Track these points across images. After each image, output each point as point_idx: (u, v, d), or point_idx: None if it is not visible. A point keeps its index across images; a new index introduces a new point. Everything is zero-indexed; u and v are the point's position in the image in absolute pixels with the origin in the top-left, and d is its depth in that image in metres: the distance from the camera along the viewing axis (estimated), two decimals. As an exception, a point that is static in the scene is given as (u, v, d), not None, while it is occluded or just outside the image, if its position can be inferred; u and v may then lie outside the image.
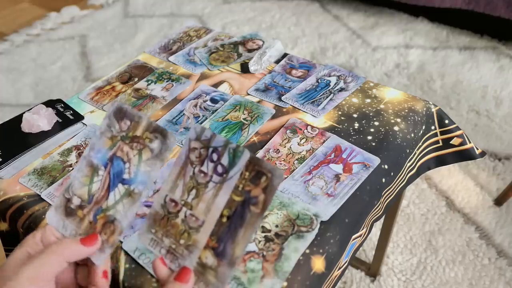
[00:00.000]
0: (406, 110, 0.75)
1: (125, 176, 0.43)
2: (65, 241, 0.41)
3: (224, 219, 0.42)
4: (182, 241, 0.43)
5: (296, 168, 0.66)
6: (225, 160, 0.43)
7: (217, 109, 0.77)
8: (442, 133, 0.79)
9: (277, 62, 0.88)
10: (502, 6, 1.75)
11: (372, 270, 1.11)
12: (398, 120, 0.74)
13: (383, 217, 0.80)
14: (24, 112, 0.74)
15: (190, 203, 0.44)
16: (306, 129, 0.72)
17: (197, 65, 0.88)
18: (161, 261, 0.44)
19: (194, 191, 0.44)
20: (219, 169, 0.43)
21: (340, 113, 0.75)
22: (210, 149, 0.43)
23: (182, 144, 0.70)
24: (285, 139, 0.71)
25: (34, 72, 1.86)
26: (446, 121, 0.78)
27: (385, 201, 0.70)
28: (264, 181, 0.41)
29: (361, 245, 0.67)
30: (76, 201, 0.44)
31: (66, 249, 0.40)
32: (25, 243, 0.41)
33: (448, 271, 1.12)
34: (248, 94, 0.80)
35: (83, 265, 0.44)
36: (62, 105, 0.79)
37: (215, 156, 0.43)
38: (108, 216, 0.43)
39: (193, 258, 0.43)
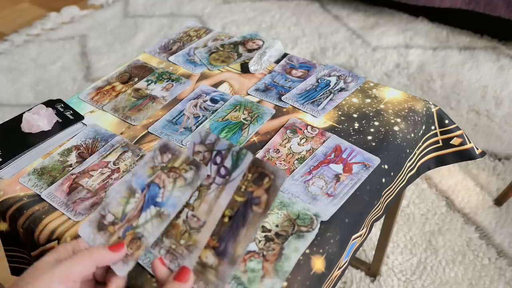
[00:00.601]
0: (406, 110, 0.75)
1: (158, 199, 0.47)
2: (95, 247, 0.44)
3: (226, 219, 0.43)
4: (182, 241, 0.44)
5: (296, 168, 0.66)
6: (228, 163, 0.44)
7: (217, 109, 0.77)
8: (442, 133, 0.79)
9: (277, 62, 0.88)
10: (502, 6, 1.75)
11: (372, 270, 1.11)
12: (398, 120, 0.74)
13: (383, 217, 0.80)
14: (24, 112, 0.74)
15: (192, 205, 0.45)
16: (306, 129, 0.72)
17: (197, 65, 0.88)
18: (160, 261, 0.45)
19: (196, 193, 0.45)
20: (222, 171, 0.44)
21: (340, 113, 0.75)
22: (214, 152, 0.45)
23: (182, 144, 0.70)
24: (285, 139, 0.71)
25: (34, 72, 1.86)
26: (446, 121, 0.78)
27: (385, 201, 0.70)
28: (267, 182, 0.42)
29: (361, 245, 0.67)
30: (109, 218, 0.47)
31: (95, 254, 0.43)
32: (56, 250, 0.44)
33: (448, 271, 1.12)
34: (248, 94, 0.80)
35: (101, 284, 0.46)
36: (62, 105, 0.79)
37: (218, 159, 0.45)
38: (137, 233, 0.46)
39: (193, 258, 0.44)
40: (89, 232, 0.47)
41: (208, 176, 0.45)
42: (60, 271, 0.41)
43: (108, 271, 0.46)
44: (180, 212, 0.45)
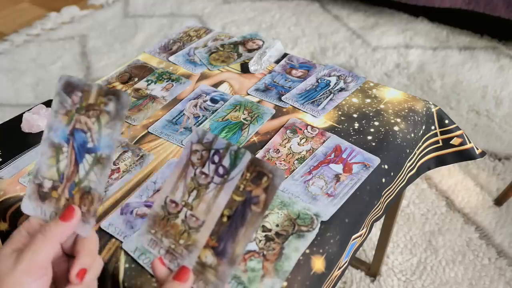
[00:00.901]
0: (406, 110, 0.75)
1: (89, 145, 0.43)
2: (48, 225, 0.40)
3: (225, 219, 0.43)
4: (181, 241, 0.44)
5: (296, 168, 0.66)
6: (226, 162, 0.44)
7: (217, 109, 0.77)
8: (442, 133, 0.79)
9: (277, 62, 0.88)
10: (502, 6, 1.75)
11: (372, 270, 1.11)
12: (398, 120, 0.74)
13: (383, 217, 0.80)
14: (24, 112, 0.74)
15: (190, 204, 0.45)
16: (306, 129, 0.72)
17: (197, 65, 0.88)
18: (160, 261, 0.44)
19: (195, 192, 0.45)
20: (220, 170, 0.44)
21: (340, 113, 0.75)
22: (212, 151, 0.44)
23: (182, 144, 0.70)
24: (285, 139, 0.71)
25: (34, 72, 1.86)
26: (446, 121, 0.78)
27: (385, 201, 0.70)
28: (265, 181, 0.42)
29: (361, 245, 0.67)
30: (47, 184, 0.44)
31: (51, 232, 0.40)
32: (11, 239, 0.40)
33: (448, 271, 1.12)
34: (248, 94, 0.80)
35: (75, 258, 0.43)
36: (62, 105, 0.79)
37: (216, 158, 0.44)
38: (83, 187, 0.43)
39: (192, 258, 0.43)
40: (33, 206, 0.44)
41: (207, 175, 0.44)
42: (23, 267, 0.37)
43: (74, 244, 0.43)
44: (179, 211, 0.45)
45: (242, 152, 0.43)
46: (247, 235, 0.42)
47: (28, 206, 0.44)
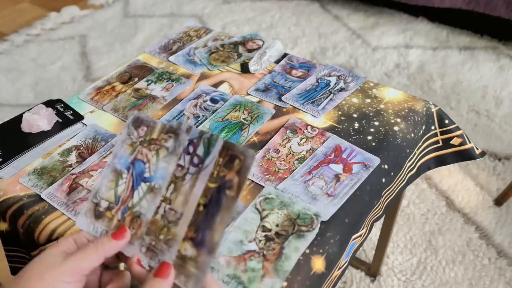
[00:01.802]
0: (406, 110, 0.75)
1: (146, 175, 0.47)
2: (100, 239, 0.44)
3: (201, 208, 0.43)
4: (161, 237, 0.44)
5: (296, 168, 0.66)
6: (200, 150, 0.44)
7: (217, 109, 0.77)
8: (442, 133, 0.79)
9: (277, 62, 0.88)
10: (502, 6, 1.75)
11: (372, 270, 1.11)
12: (398, 120, 0.74)
13: (383, 217, 0.80)
14: (24, 112, 0.74)
15: (169, 198, 0.45)
16: (306, 129, 0.72)
17: (197, 65, 0.88)
18: (136, 261, 0.45)
19: (172, 186, 0.45)
20: (195, 160, 0.45)
21: (340, 113, 0.75)
22: (186, 142, 0.45)
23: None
24: (285, 139, 0.71)
25: (34, 72, 1.86)
26: (446, 121, 0.78)
27: (385, 201, 0.70)
28: (237, 164, 0.41)
29: (361, 245, 0.67)
30: (104, 204, 0.47)
31: (102, 246, 0.43)
32: (60, 243, 0.43)
33: (448, 271, 1.12)
34: (248, 94, 0.80)
35: (108, 269, 0.46)
36: (62, 105, 0.79)
37: (191, 148, 0.45)
38: (135, 212, 0.46)
39: (172, 252, 0.44)
40: (87, 222, 0.47)
41: (182, 167, 0.45)
42: (69, 267, 0.41)
43: (111, 271, 0.46)
44: (159, 207, 0.45)
45: (215, 138, 0.43)
46: (223, 220, 0.41)
47: (83, 222, 0.48)
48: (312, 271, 0.55)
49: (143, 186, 0.46)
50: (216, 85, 0.83)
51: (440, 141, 0.79)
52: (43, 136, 0.73)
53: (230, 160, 0.42)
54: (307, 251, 0.56)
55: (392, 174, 0.69)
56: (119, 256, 0.45)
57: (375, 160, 0.67)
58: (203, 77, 0.85)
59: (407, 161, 0.73)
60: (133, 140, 0.48)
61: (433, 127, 0.78)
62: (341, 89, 0.80)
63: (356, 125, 0.73)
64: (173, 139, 0.46)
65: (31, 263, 0.41)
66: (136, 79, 0.85)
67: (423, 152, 0.77)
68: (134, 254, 0.45)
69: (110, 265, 0.46)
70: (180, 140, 0.46)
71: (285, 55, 0.89)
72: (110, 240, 0.44)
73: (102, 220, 0.47)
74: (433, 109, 0.77)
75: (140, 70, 0.87)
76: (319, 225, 0.58)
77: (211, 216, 0.42)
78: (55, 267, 0.40)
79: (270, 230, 0.57)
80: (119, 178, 0.47)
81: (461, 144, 0.79)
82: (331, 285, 0.61)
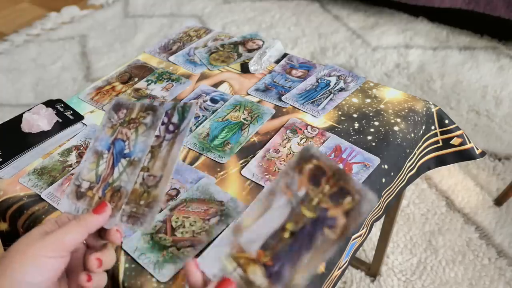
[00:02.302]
0: (406, 110, 0.75)
1: (126, 151, 0.48)
2: (81, 215, 0.44)
3: (287, 235, 0.36)
4: (142, 202, 0.45)
5: (296, 168, 0.66)
6: (175, 118, 0.46)
7: (217, 109, 0.77)
8: (442, 133, 0.79)
9: (277, 62, 0.88)
10: (502, 6, 1.75)
11: (372, 270, 1.11)
12: (398, 120, 0.74)
13: (383, 217, 0.80)
14: (24, 112, 0.74)
15: (146, 166, 0.46)
16: (306, 129, 0.72)
17: (197, 65, 0.88)
18: (195, 264, 0.40)
19: (149, 155, 0.47)
20: (171, 127, 0.46)
21: (340, 113, 0.75)
22: (163, 115, 0.47)
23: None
24: (285, 139, 0.71)
25: (34, 72, 1.86)
26: (446, 121, 0.78)
27: (385, 201, 0.70)
28: (348, 202, 0.34)
29: (361, 245, 0.67)
30: (85, 185, 0.48)
31: (84, 221, 0.43)
32: (40, 226, 0.44)
33: (448, 271, 1.12)
34: (248, 94, 0.80)
35: (92, 249, 0.46)
36: (62, 105, 0.79)
37: (165, 119, 0.47)
38: (115, 187, 0.47)
39: (154, 212, 0.44)
40: (69, 204, 0.48)
41: (158, 136, 0.47)
42: (51, 241, 0.41)
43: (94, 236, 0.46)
44: (137, 177, 0.46)
45: (188, 105, 0.45)
46: (313, 263, 0.34)
47: (65, 204, 0.48)
48: (312, 271, 0.55)
49: (123, 162, 0.47)
50: (216, 85, 0.83)
51: (440, 141, 0.79)
52: (43, 136, 0.73)
53: (339, 193, 0.35)
54: (307, 251, 0.56)
55: (392, 174, 0.69)
56: (102, 236, 0.45)
57: (375, 160, 0.67)
58: (203, 77, 0.85)
59: (407, 161, 0.73)
60: (113, 123, 0.49)
61: (433, 127, 0.78)
62: (341, 89, 0.80)
63: (356, 125, 0.73)
64: (151, 115, 0.47)
65: (15, 243, 0.41)
66: (136, 79, 0.85)
67: (423, 152, 0.77)
68: (113, 227, 0.45)
69: (94, 247, 0.46)
70: (157, 115, 0.47)
71: (285, 55, 0.89)
72: (91, 215, 0.44)
73: (84, 200, 0.47)
74: (433, 109, 0.77)
75: (140, 70, 0.87)
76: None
77: (298, 250, 0.35)
78: (38, 243, 0.40)
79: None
80: (100, 159, 0.48)
81: (461, 144, 0.79)
82: (331, 285, 0.61)
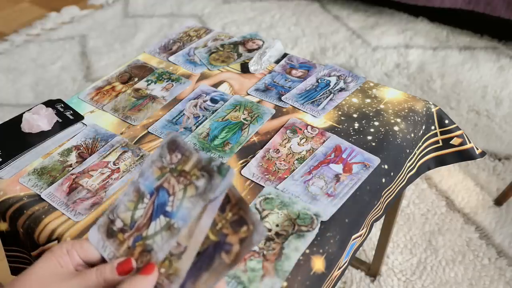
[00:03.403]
0: (406, 110, 0.75)
1: (168, 208, 0.43)
2: (103, 268, 0.42)
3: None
4: (162, 270, 0.41)
5: (296, 168, 0.66)
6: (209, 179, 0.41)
7: (217, 109, 0.77)
8: (442, 133, 0.79)
9: (277, 62, 0.88)
10: (502, 6, 1.75)
11: (372, 270, 1.11)
12: (398, 120, 0.74)
13: (383, 217, 0.80)
14: (24, 112, 0.74)
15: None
16: (306, 129, 0.72)
17: (197, 65, 0.88)
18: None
19: None
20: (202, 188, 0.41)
21: (340, 113, 0.75)
22: (219, 189, 0.40)
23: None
24: (285, 139, 0.71)
25: (34, 72, 1.86)
26: (446, 121, 0.78)
27: (385, 201, 0.70)
28: (244, 231, 0.37)
29: (361, 245, 0.67)
30: (118, 224, 0.45)
31: (103, 276, 0.41)
32: (54, 253, 0.42)
33: (448, 271, 1.12)
34: (248, 94, 0.80)
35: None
36: (62, 105, 0.79)
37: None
38: (146, 245, 0.43)
39: None
40: (98, 238, 0.45)
41: None
42: None
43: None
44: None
45: (226, 168, 0.39)
46: (209, 283, 0.37)
47: (94, 236, 0.45)
48: (312, 271, 0.55)
49: (162, 220, 0.43)
50: (216, 85, 0.83)
51: (440, 141, 0.79)
52: (43, 136, 0.73)
53: (238, 221, 0.37)
54: (307, 251, 0.56)
55: (392, 174, 0.69)
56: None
57: (375, 160, 0.67)
58: (203, 77, 0.85)
59: (407, 161, 0.73)
60: (164, 165, 0.44)
61: (433, 127, 0.78)
62: (341, 89, 0.80)
63: (356, 125, 0.73)
64: (205, 179, 0.41)
65: (30, 271, 0.40)
66: (136, 79, 0.85)
67: (423, 152, 0.77)
68: None
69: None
70: (212, 185, 0.40)
71: (285, 55, 0.89)
72: (113, 273, 0.42)
73: (113, 240, 0.44)
74: (433, 109, 0.77)
75: (140, 70, 0.87)
76: (319, 225, 0.58)
77: (199, 269, 0.38)
78: (53, 284, 0.39)
79: (270, 230, 0.57)
80: (140, 201, 0.44)
81: (461, 144, 0.79)
82: (331, 285, 0.61)
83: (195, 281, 0.38)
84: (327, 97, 0.79)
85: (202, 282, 0.38)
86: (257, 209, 0.60)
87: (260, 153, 0.69)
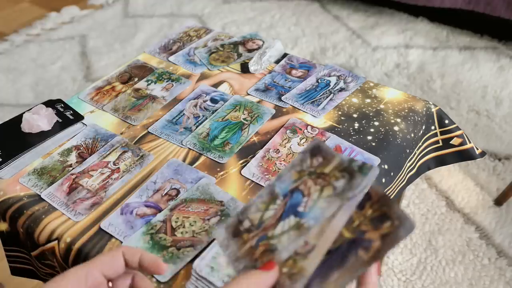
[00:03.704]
0: (406, 110, 0.75)
1: (300, 209, 0.41)
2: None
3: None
4: (285, 269, 0.38)
5: (296, 168, 0.66)
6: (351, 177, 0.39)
7: (217, 109, 0.77)
8: (442, 133, 0.79)
9: (277, 62, 0.88)
10: (502, 6, 1.75)
11: (372, 270, 1.11)
12: (398, 120, 0.74)
13: (383, 217, 0.80)
14: (24, 112, 0.74)
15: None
16: (306, 129, 0.72)
17: (197, 65, 0.88)
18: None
19: None
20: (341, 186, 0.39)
21: (340, 113, 0.75)
22: (359, 188, 0.39)
23: (182, 144, 0.70)
24: (285, 139, 0.71)
25: (34, 72, 1.86)
26: (446, 121, 0.78)
27: (385, 201, 0.70)
28: (387, 227, 0.35)
29: (361, 245, 0.67)
30: (246, 224, 0.43)
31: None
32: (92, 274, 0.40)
33: (448, 271, 1.12)
34: (248, 94, 0.80)
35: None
36: (62, 105, 0.79)
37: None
38: (270, 244, 0.40)
39: None
40: (224, 237, 0.42)
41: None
42: None
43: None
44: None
45: (368, 167, 0.37)
46: (340, 282, 0.35)
47: (221, 235, 0.43)
48: (312, 271, 0.55)
49: (291, 220, 0.40)
50: (216, 85, 0.83)
51: (440, 141, 0.79)
52: (43, 136, 0.73)
53: (380, 217, 0.36)
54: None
55: (392, 174, 0.69)
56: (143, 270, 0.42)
57: (375, 160, 0.67)
58: (203, 77, 0.85)
59: (407, 161, 0.73)
60: (303, 168, 0.43)
61: (433, 127, 0.78)
62: (341, 89, 0.80)
63: (356, 125, 0.73)
64: (345, 180, 0.40)
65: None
66: (136, 79, 0.85)
67: (423, 152, 0.77)
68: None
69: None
70: (352, 185, 0.39)
71: (285, 55, 0.89)
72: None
73: (237, 240, 0.42)
74: (433, 109, 0.77)
75: (140, 70, 0.87)
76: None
77: (329, 268, 0.36)
78: None
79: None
80: (272, 203, 0.42)
81: (461, 144, 0.79)
82: (331, 285, 0.61)
83: (323, 280, 0.36)
84: (327, 97, 0.79)
85: (332, 280, 0.35)
86: None
87: (260, 153, 0.69)
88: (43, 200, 0.63)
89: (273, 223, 0.41)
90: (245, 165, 0.67)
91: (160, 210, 0.61)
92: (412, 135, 0.73)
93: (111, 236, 0.58)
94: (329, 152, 0.42)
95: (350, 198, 0.37)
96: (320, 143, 0.43)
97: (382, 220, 0.36)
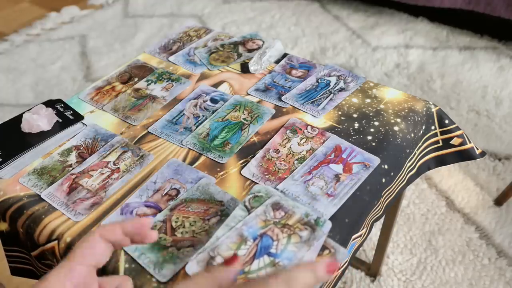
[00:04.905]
0: (406, 110, 0.75)
1: (272, 250, 0.47)
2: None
3: None
4: None
5: (296, 168, 0.66)
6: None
7: (217, 109, 0.77)
8: (442, 133, 0.79)
9: (277, 62, 0.88)
10: (502, 6, 1.75)
11: (372, 270, 1.11)
12: (398, 120, 0.74)
13: (383, 217, 0.80)
14: (24, 112, 0.74)
15: None
16: (306, 129, 0.72)
17: (197, 65, 0.88)
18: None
19: None
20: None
21: (340, 113, 0.75)
22: (323, 238, 0.46)
23: (182, 144, 0.70)
24: (285, 139, 0.71)
25: (34, 72, 1.86)
26: (446, 121, 0.78)
27: (385, 201, 0.70)
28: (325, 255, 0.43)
29: (361, 245, 0.67)
30: (219, 260, 0.48)
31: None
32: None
33: (448, 271, 1.12)
34: (248, 94, 0.80)
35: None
36: (62, 105, 0.79)
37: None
38: (249, 278, 0.45)
39: None
40: (196, 271, 0.47)
41: None
42: None
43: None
44: None
45: (322, 220, 0.46)
46: None
47: (193, 269, 0.48)
48: (312, 271, 0.55)
49: (266, 259, 0.46)
50: (216, 85, 0.83)
51: (440, 141, 0.79)
52: (43, 136, 0.73)
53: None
54: (307, 251, 0.56)
55: (392, 174, 0.69)
56: (136, 241, 0.40)
57: (375, 160, 0.67)
58: (203, 77, 0.85)
59: (407, 161, 0.73)
60: (267, 219, 0.49)
61: (433, 127, 0.78)
62: (341, 89, 0.80)
63: (356, 125, 0.73)
64: (309, 231, 0.47)
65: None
66: (136, 79, 0.85)
67: (423, 152, 0.77)
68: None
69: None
70: (316, 236, 0.46)
71: (285, 55, 0.89)
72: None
73: None
74: (433, 109, 0.77)
75: (140, 70, 0.87)
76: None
77: None
78: None
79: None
80: (243, 243, 0.48)
81: (461, 144, 0.79)
82: (331, 285, 0.61)
83: None
84: (327, 97, 0.79)
85: None
86: (246, 206, 0.59)
87: (260, 153, 0.69)
88: (43, 200, 0.63)
89: (248, 260, 0.47)
90: (245, 165, 0.67)
91: (160, 210, 0.61)
92: (412, 135, 0.73)
93: (111, 236, 0.58)
94: (289, 208, 0.51)
95: (313, 245, 0.45)
96: (279, 200, 0.52)
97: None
